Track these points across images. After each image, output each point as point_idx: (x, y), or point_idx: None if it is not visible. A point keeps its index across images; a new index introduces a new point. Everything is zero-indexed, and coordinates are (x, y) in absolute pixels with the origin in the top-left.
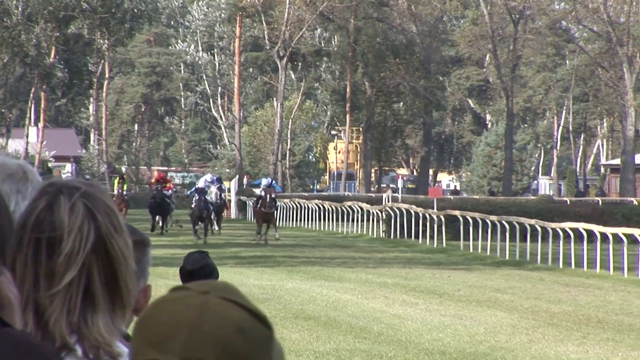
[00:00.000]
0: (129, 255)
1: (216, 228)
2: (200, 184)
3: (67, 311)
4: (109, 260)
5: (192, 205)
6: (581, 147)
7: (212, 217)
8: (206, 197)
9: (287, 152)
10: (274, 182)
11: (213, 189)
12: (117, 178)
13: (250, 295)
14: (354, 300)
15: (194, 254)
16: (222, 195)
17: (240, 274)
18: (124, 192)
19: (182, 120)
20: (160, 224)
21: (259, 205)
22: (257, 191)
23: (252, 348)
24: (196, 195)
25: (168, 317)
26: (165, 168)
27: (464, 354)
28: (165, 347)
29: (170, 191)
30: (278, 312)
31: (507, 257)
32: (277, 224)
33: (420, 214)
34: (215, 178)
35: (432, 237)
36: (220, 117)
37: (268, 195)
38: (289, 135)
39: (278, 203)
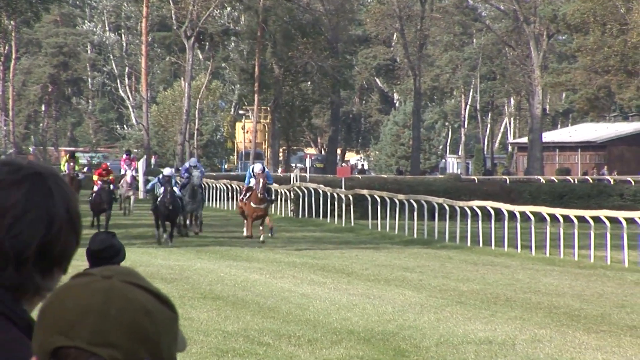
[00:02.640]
0: None
1: (195, 229)
2: (166, 171)
3: None
4: None
5: (156, 199)
6: (489, 125)
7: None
8: (174, 187)
9: (195, 132)
10: (267, 169)
11: (196, 174)
12: (67, 156)
13: (158, 275)
14: (263, 280)
15: (100, 235)
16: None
17: (148, 254)
18: (75, 172)
19: (90, 101)
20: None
21: (247, 197)
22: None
23: (160, 329)
24: (160, 186)
25: (73, 303)
26: (73, 148)
27: (372, 333)
28: (73, 333)
29: (113, 185)
30: (186, 292)
31: (415, 236)
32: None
33: (329, 193)
34: (199, 163)
35: (340, 217)
36: (128, 97)
37: (260, 185)
38: (196, 115)
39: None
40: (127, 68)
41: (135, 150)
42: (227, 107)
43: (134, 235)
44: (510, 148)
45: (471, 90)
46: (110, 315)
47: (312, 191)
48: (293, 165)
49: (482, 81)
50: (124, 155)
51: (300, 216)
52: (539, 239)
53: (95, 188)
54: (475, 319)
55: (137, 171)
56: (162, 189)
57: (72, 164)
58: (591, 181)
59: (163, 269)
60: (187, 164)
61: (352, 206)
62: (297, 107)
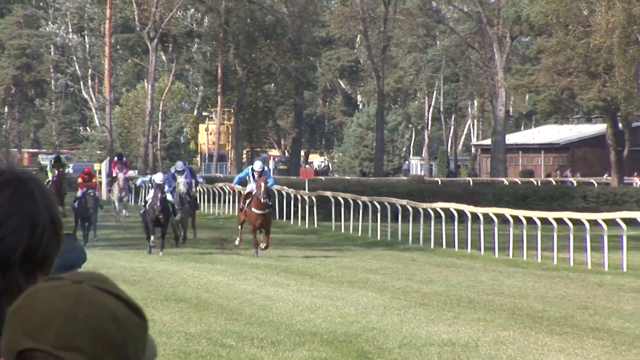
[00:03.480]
0: None
1: (185, 235)
2: (157, 178)
3: None
4: None
5: (146, 204)
6: (452, 127)
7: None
8: (166, 192)
9: (158, 134)
10: (266, 170)
11: (182, 180)
12: (52, 161)
13: (121, 277)
14: (226, 282)
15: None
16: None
17: (112, 256)
18: (60, 178)
19: (53, 102)
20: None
21: (247, 203)
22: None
23: (127, 336)
24: (151, 188)
25: (43, 306)
26: (36, 150)
27: (335, 334)
28: (41, 335)
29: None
30: (149, 294)
31: (378, 237)
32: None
33: (292, 195)
34: (187, 167)
35: (303, 218)
36: (91, 98)
37: (262, 190)
38: (160, 117)
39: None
40: (90, 70)
41: (99, 152)
42: (190, 109)
43: (98, 237)
44: (473, 150)
45: (435, 92)
46: (78, 319)
47: (276, 193)
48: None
49: (446, 83)
50: (115, 158)
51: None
52: (502, 240)
53: (79, 193)
54: (438, 320)
55: (124, 177)
56: (151, 193)
57: (59, 170)
58: (554, 183)
59: (126, 270)
60: (172, 170)
61: (315, 208)
62: (260, 108)
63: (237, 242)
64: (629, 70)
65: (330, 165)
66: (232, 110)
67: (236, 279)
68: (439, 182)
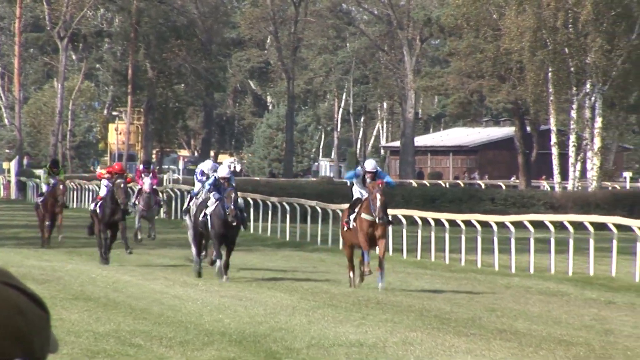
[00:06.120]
0: None
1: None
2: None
3: None
4: None
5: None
6: (361, 129)
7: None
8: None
9: (68, 133)
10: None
11: (146, 180)
12: (48, 166)
13: (30, 276)
14: (135, 281)
15: None
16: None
17: (20, 254)
18: (61, 186)
19: None
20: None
21: (212, 214)
22: (197, 186)
23: (33, 329)
24: (213, 192)
25: None
26: None
27: (244, 334)
28: None
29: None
30: (58, 293)
31: (287, 238)
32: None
33: None
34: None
35: None
36: (0, 97)
37: (232, 199)
38: (69, 116)
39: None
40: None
41: (7, 151)
42: (100, 109)
43: (7, 236)
44: (383, 152)
45: (344, 93)
46: None
47: (185, 193)
48: (166, 167)
49: (355, 85)
50: (141, 167)
51: (172, 218)
52: (410, 242)
53: (102, 192)
54: (346, 321)
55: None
56: (213, 196)
57: (57, 179)
58: (462, 185)
59: (35, 269)
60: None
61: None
62: (170, 109)
63: (357, 282)
64: (538, 73)
65: (238, 166)
66: (142, 110)
67: (145, 278)
68: (348, 184)
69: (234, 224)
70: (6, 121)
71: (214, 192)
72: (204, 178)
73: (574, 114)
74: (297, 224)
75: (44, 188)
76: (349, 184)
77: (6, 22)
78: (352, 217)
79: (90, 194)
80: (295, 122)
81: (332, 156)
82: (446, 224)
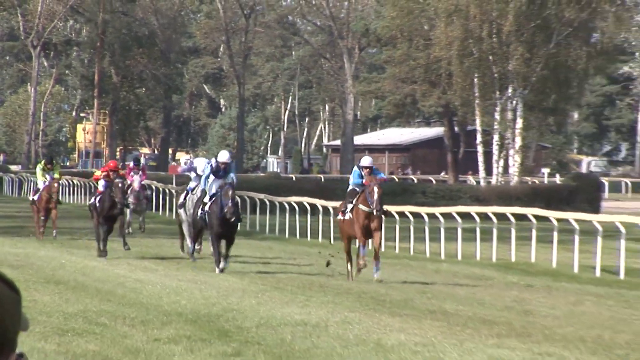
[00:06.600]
0: None
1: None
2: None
3: None
4: None
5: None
6: (306, 129)
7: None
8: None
9: (40, 133)
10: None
11: (136, 177)
12: (42, 162)
13: (6, 262)
14: (100, 266)
15: None
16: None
17: None
18: (55, 184)
19: None
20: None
21: (210, 210)
22: (194, 181)
23: (5, 310)
24: (212, 183)
25: None
26: None
27: (198, 315)
28: None
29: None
30: (30, 277)
31: (239, 227)
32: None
33: (161, 189)
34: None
35: (171, 210)
36: None
37: (230, 196)
38: (41, 117)
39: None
40: None
41: None
42: (69, 110)
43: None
44: (325, 150)
45: (290, 97)
46: None
47: (146, 187)
48: (128, 163)
49: (300, 89)
50: (131, 164)
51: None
52: None
53: (101, 187)
54: (292, 303)
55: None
56: (213, 186)
57: (52, 176)
58: (397, 180)
59: (10, 255)
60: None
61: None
62: (133, 110)
63: (355, 275)
64: (465, 79)
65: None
66: (107, 111)
67: (110, 264)
68: (294, 179)
69: (232, 220)
70: None
71: (212, 185)
72: (201, 172)
73: (497, 115)
74: (247, 214)
75: (40, 184)
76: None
77: None
78: (349, 207)
79: (60, 187)
80: (246, 123)
81: (279, 154)
82: (382, 216)
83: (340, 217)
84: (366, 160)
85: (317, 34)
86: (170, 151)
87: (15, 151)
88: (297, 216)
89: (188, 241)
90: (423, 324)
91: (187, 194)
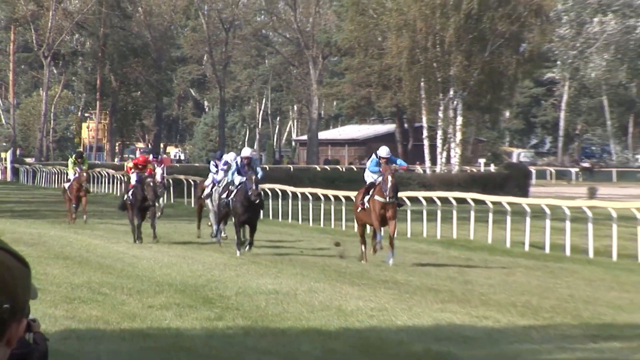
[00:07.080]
0: None
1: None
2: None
3: None
4: None
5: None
6: (277, 126)
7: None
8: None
9: (51, 130)
10: (255, 157)
11: (158, 171)
12: (73, 157)
13: (22, 240)
14: (102, 244)
15: None
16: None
17: (14, 224)
18: (85, 174)
19: None
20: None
21: (235, 196)
22: (214, 173)
23: (17, 282)
24: (239, 176)
25: None
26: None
27: (186, 285)
28: None
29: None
30: (43, 253)
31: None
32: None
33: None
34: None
35: (189, 197)
36: None
37: (254, 180)
38: (52, 117)
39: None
40: None
41: (4, 144)
42: (75, 111)
43: (4, 209)
44: (294, 143)
45: (264, 99)
46: None
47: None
48: (127, 155)
49: (273, 92)
50: (151, 156)
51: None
52: (315, 213)
53: (133, 181)
54: (265, 275)
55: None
56: (238, 178)
57: (81, 168)
58: (355, 169)
59: (25, 235)
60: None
61: (172, 188)
62: (129, 111)
63: (369, 254)
64: (413, 83)
65: (182, 155)
66: (107, 112)
67: (110, 242)
68: (267, 168)
69: (257, 202)
70: (3, 121)
71: (236, 176)
72: (225, 167)
73: (441, 114)
74: None
75: (71, 175)
76: (368, 173)
77: (3, 44)
78: (366, 198)
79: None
80: (226, 121)
81: (255, 147)
82: (343, 199)
83: (359, 208)
84: (383, 151)
85: (286, 45)
86: (161, 145)
87: (30, 146)
88: (270, 200)
89: (214, 227)
90: (378, 292)
91: (213, 185)
